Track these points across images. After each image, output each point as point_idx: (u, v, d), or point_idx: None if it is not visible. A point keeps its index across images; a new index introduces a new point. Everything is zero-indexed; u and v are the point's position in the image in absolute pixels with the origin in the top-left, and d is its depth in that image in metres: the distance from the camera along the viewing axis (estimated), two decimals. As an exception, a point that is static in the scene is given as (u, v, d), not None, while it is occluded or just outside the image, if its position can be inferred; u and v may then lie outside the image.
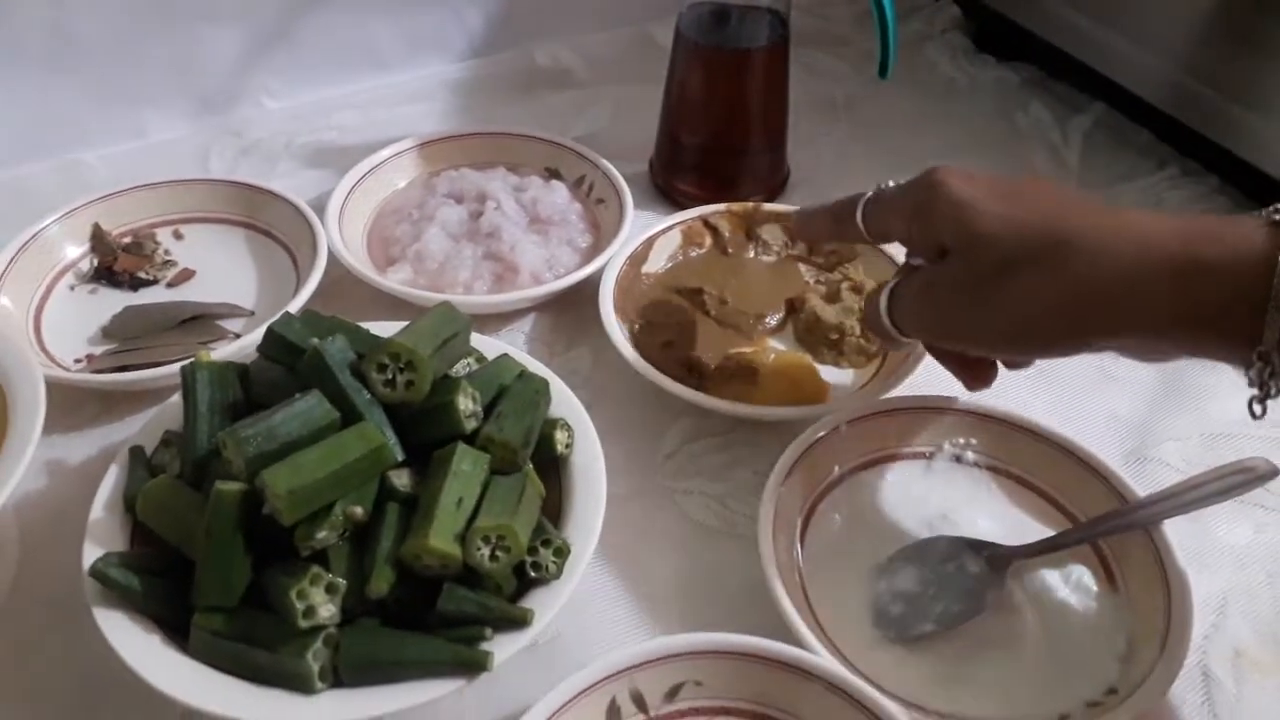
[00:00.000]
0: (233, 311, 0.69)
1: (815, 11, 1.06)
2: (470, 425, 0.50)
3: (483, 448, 0.49)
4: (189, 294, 0.71)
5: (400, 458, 0.48)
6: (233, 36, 0.85)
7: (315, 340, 0.50)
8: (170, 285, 0.71)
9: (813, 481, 0.58)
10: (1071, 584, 0.54)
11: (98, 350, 0.66)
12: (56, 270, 0.70)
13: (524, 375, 0.55)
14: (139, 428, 0.55)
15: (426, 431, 0.49)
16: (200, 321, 0.68)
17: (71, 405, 0.62)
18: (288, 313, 0.54)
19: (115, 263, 0.71)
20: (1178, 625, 0.50)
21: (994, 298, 0.44)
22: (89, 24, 0.78)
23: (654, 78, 0.81)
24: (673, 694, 0.48)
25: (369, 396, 0.49)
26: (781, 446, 0.57)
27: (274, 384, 0.51)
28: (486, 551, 0.46)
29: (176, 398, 0.55)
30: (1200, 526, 0.58)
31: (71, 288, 0.70)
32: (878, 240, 0.54)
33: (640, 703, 0.48)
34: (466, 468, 0.48)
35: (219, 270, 0.72)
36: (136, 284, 0.71)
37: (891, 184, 0.52)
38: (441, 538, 0.45)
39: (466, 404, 0.50)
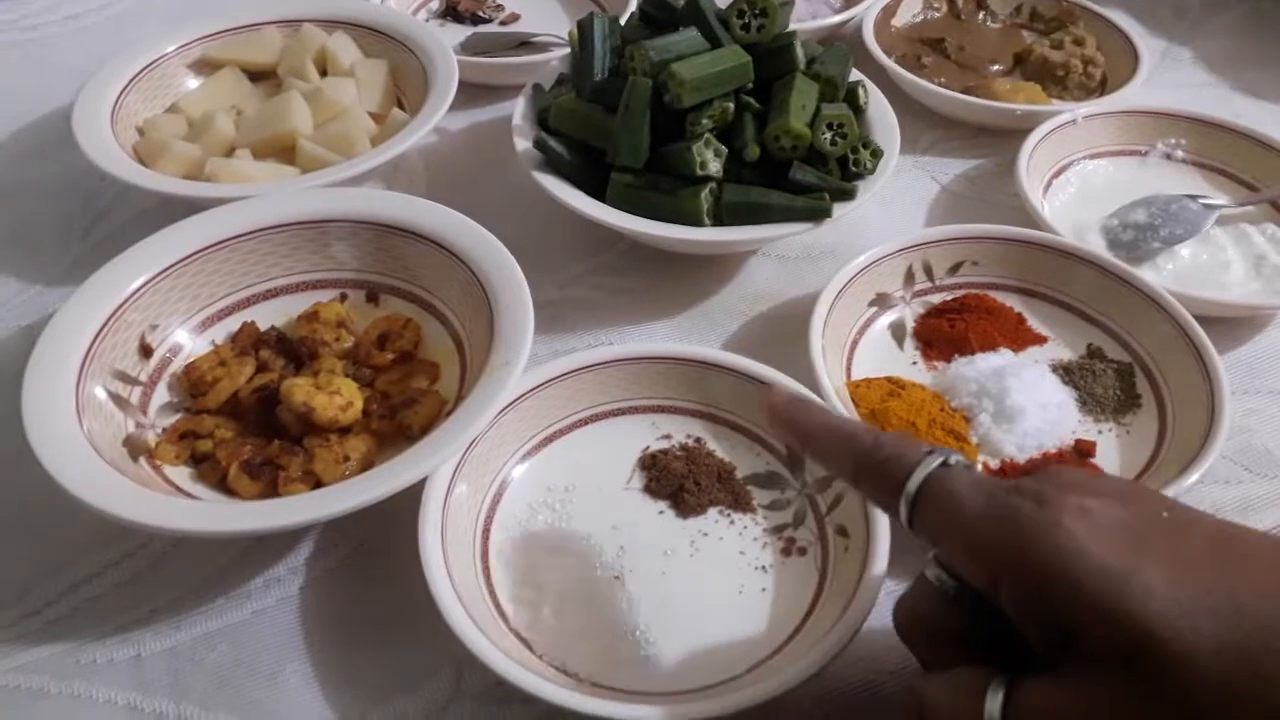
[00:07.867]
0: (555, 40, 0.85)
1: None
2: (802, 65, 0.64)
3: (813, 79, 0.64)
4: (517, 29, 0.87)
5: (754, 81, 0.63)
6: None
7: (689, -5, 0.65)
8: (502, 24, 0.88)
9: (1048, 165, 0.72)
10: (1267, 235, 0.67)
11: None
12: (416, 3, 0.87)
13: (832, 46, 0.69)
14: (502, 107, 0.69)
15: (770, 68, 0.64)
16: (529, 45, 0.84)
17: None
18: (661, -18, 0.69)
19: (460, 3, 0.87)
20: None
21: None
22: None
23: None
24: (954, 269, 0.63)
25: (729, 37, 0.64)
26: (1020, 146, 0.70)
27: (646, 39, 0.66)
28: (829, 136, 0.61)
29: (555, 62, 0.71)
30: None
31: (425, 20, 0.87)
32: (924, 540, 0.36)
33: (929, 272, 0.62)
34: (804, 87, 0.63)
35: (538, 15, 0.89)
36: (476, 20, 0.87)
37: (956, 459, 0.35)
38: (797, 120, 0.60)
39: (800, 50, 0.65)
